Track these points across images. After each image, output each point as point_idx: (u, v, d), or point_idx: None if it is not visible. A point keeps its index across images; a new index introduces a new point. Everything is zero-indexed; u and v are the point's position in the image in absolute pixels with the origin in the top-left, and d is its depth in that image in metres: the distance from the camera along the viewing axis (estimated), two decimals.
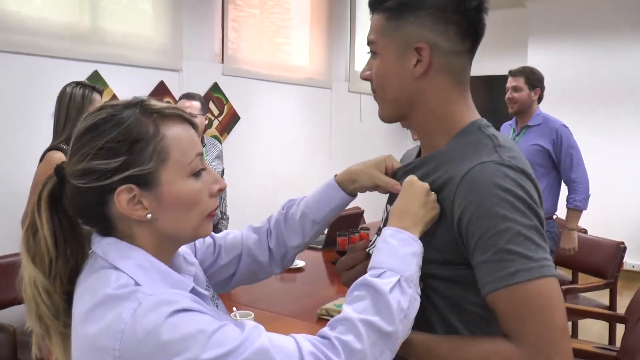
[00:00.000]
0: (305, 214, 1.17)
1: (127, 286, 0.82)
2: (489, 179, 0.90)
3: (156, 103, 0.91)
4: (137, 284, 0.83)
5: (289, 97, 5.22)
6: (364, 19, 6.16)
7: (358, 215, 3.97)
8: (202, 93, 4.31)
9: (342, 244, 3.32)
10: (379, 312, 0.86)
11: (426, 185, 0.99)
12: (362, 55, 6.20)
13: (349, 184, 1.17)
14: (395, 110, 1.07)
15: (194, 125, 0.94)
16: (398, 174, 1.13)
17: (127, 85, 3.77)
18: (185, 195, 0.89)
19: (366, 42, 1.07)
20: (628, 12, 5.75)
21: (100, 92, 2.79)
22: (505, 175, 0.90)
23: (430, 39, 0.99)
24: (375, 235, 1.16)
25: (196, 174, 0.91)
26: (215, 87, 4.43)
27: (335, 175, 1.19)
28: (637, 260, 5.78)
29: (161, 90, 3.98)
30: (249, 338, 0.80)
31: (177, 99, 3.61)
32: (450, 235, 0.95)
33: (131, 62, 3.81)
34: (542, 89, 3.45)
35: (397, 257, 0.92)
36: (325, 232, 3.77)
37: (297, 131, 5.35)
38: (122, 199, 0.85)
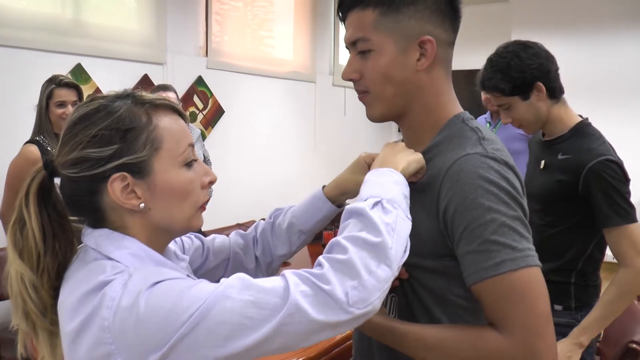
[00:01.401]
0: (293, 224, 1.17)
1: (122, 272, 0.82)
2: (473, 171, 0.91)
3: (147, 94, 0.91)
4: None
5: (274, 90, 5.22)
6: None
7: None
8: (186, 86, 4.30)
9: (327, 237, 3.35)
10: (363, 228, 0.85)
11: (398, 143, 1.00)
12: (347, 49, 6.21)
13: (339, 197, 1.17)
14: (392, 108, 1.04)
15: (183, 117, 0.95)
16: None
17: (110, 79, 3.74)
18: (178, 185, 0.89)
19: (348, 42, 1.03)
20: (611, 6, 5.82)
21: (69, 86, 2.76)
22: (490, 167, 0.91)
23: (432, 32, 0.99)
24: None
25: (188, 164, 0.92)
26: (200, 81, 4.42)
27: (324, 187, 1.19)
28: None
29: (145, 83, 3.95)
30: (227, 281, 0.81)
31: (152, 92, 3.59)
32: (435, 227, 0.96)
33: (115, 55, 3.78)
34: None
35: (375, 185, 0.92)
36: None
37: (282, 125, 5.35)
38: (116, 187, 0.85)
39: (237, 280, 0.80)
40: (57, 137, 2.80)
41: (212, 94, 4.54)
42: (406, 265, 0.98)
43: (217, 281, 1.16)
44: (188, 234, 1.15)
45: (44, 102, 2.70)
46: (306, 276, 0.80)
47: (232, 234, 1.23)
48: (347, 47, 1.06)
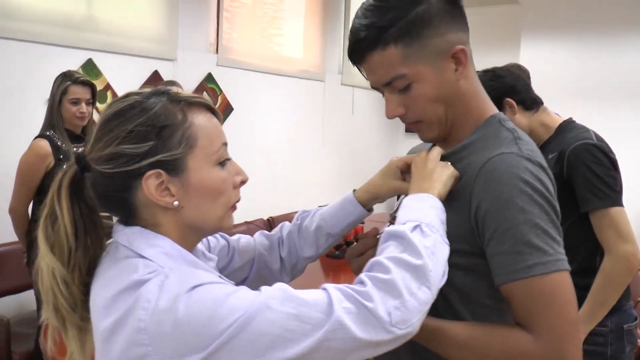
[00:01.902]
0: (321, 226, 1.17)
1: (156, 271, 0.82)
2: (508, 170, 0.91)
3: (182, 92, 0.91)
4: None
5: (283, 88, 5.21)
6: None
7: None
8: (196, 83, 4.31)
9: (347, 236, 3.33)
10: (404, 250, 0.85)
11: (430, 155, 1.01)
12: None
13: (370, 201, 1.17)
14: (447, 124, 1.05)
15: (217, 115, 0.95)
16: None
17: (121, 74, 3.75)
18: (211, 183, 0.89)
19: (381, 84, 1.02)
20: (623, 9, 5.78)
21: (85, 84, 2.77)
22: (525, 167, 0.92)
23: (456, 39, 0.99)
24: (388, 223, 1.17)
25: (221, 163, 0.92)
26: (210, 78, 4.42)
27: (354, 191, 1.19)
28: None
29: (155, 79, 3.95)
30: (267, 290, 0.80)
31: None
32: (465, 224, 0.96)
33: (126, 50, 3.78)
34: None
35: (414, 210, 0.93)
36: None
37: (290, 123, 5.35)
38: (150, 184, 0.85)
39: (279, 291, 0.79)
40: (68, 133, 2.84)
41: (221, 91, 4.55)
42: None
43: (242, 281, 1.18)
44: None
45: (57, 97, 2.71)
46: (349, 292, 0.79)
47: (257, 234, 1.23)
48: (375, 88, 1.05)
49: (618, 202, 1.75)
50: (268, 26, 5.05)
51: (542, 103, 2.00)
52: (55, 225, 0.87)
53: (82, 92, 2.75)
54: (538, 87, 3.48)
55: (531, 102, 1.98)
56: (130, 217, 0.90)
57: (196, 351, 0.74)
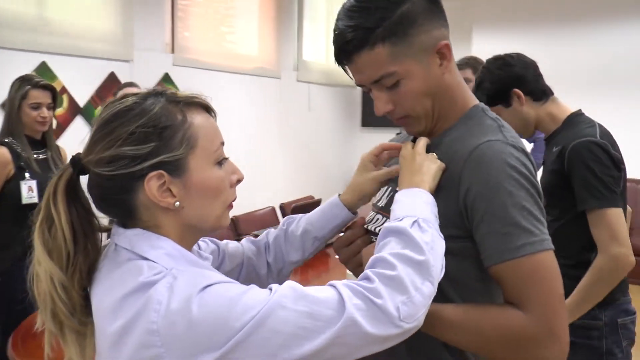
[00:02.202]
0: (308, 230, 1.18)
1: (161, 272, 0.82)
2: (497, 156, 0.96)
3: (179, 92, 0.91)
4: None
5: (239, 87, 5.19)
6: (312, 8, 6.18)
7: (315, 204, 4.00)
8: (153, 84, 4.23)
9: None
10: (406, 246, 0.87)
11: (416, 148, 1.04)
12: (311, 44, 6.23)
13: (357, 202, 1.18)
14: (433, 117, 1.08)
15: (214, 115, 0.95)
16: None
17: (76, 77, 3.66)
18: (211, 183, 0.90)
19: (369, 82, 1.04)
20: (570, 1, 5.99)
21: (45, 88, 2.68)
22: (511, 153, 0.97)
23: (439, 35, 1.03)
24: (373, 213, 1.20)
25: (220, 163, 0.93)
26: (167, 78, 4.35)
27: (339, 195, 1.20)
28: None
29: (112, 81, 3.88)
30: (278, 289, 0.81)
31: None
32: (454, 209, 1.00)
33: (80, 52, 3.69)
34: None
35: (409, 205, 0.95)
36: None
37: (248, 121, 5.33)
38: (152, 186, 0.85)
39: (290, 289, 0.81)
40: (28, 139, 2.73)
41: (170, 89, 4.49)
42: None
43: None
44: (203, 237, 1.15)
45: (17, 102, 2.61)
46: (358, 289, 0.81)
47: (244, 240, 1.24)
48: (361, 86, 1.08)
49: (615, 203, 1.73)
50: (220, 24, 5.01)
51: (552, 93, 1.96)
52: (52, 230, 0.86)
53: (42, 97, 2.66)
54: None
55: (540, 93, 1.94)
56: (129, 219, 0.90)
57: (210, 350, 0.75)
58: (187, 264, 0.87)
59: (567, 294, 1.53)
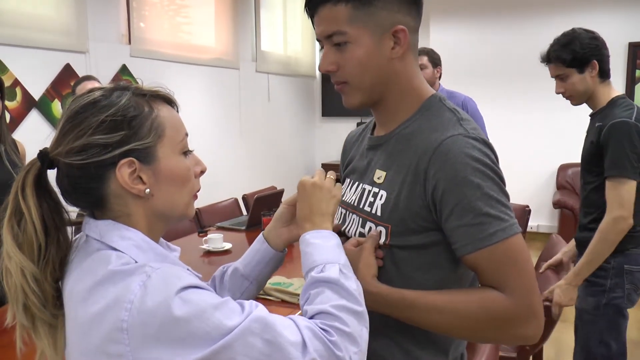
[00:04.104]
0: (236, 268, 1.17)
1: (129, 263, 0.84)
2: (461, 151, 0.99)
3: (144, 86, 0.94)
4: (136, 263, 0.85)
5: (198, 78, 5.15)
6: None
7: (278, 194, 4.04)
8: (111, 75, 4.16)
9: (266, 223, 3.37)
10: (343, 297, 0.92)
11: (315, 180, 1.05)
12: (269, 35, 6.21)
13: (275, 238, 1.16)
14: (370, 96, 1.10)
15: (176, 108, 0.98)
16: (362, 149, 1.19)
17: (30, 69, 3.57)
18: (179, 171, 0.93)
19: (323, 35, 1.07)
20: None
21: None
22: (473, 146, 1.00)
23: (403, 21, 1.05)
24: (341, 211, 1.21)
25: (185, 153, 0.96)
26: (124, 69, 4.28)
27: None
28: (534, 222, 6.37)
29: (68, 73, 3.79)
30: (250, 310, 0.84)
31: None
32: (420, 203, 1.03)
33: (33, 43, 3.59)
34: (441, 66, 3.69)
35: (327, 251, 0.99)
36: (249, 213, 3.81)
37: (207, 113, 5.29)
38: (124, 172, 0.87)
39: (259, 316, 0.83)
40: None
41: (137, 83, 4.41)
42: (395, 246, 1.05)
43: None
44: None
45: None
46: (324, 340, 0.85)
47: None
48: (318, 40, 1.11)
49: (631, 176, 2.07)
50: (176, 14, 4.94)
51: (610, 76, 2.24)
52: (21, 224, 0.87)
53: None
54: (448, 67, 3.65)
55: (606, 73, 2.22)
56: (99, 209, 0.92)
57: (177, 357, 0.78)
58: (155, 257, 0.89)
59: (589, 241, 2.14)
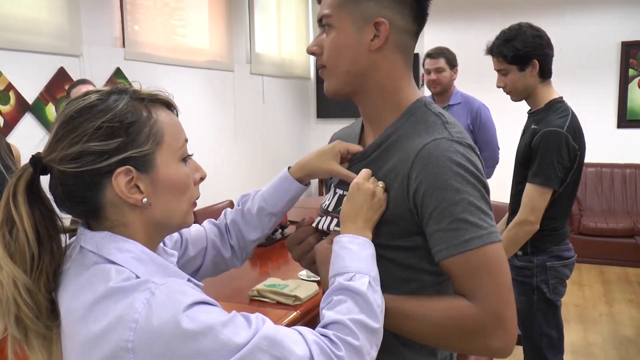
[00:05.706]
0: (263, 208, 1.19)
1: (130, 279, 0.81)
2: (443, 155, 0.98)
3: (142, 89, 0.91)
4: (137, 277, 0.82)
5: (192, 80, 5.13)
6: (263, 1, 6.16)
7: None
8: (105, 79, 4.14)
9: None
10: (363, 311, 0.90)
11: (371, 187, 1.04)
12: (263, 37, 6.20)
13: (305, 178, 1.20)
14: (345, 83, 1.09)
15: (176, 112, 0.95)
16: (354, 161, 1.17)
17: (23, 73, 3.54)
18: (178, 180, 0.90)
19: (318, 18, 1.10)
20: None
21: None
22: (457, 150, 0.99)
23: (388, 16, 1.04)
24: (319, 217, 1.20)
25: (184, 160, 0.93)
26: (118, 73, 4.26)
27: (289, 168, 1.22)
28: None
29: (62, 77, 3.78)
30: (258, 326, 0.82)
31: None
32: (404, 207, 1.02)
33: (26, 47, 3.57)
34: (457, 66, 3.63)
35: (360, 260, 0.97)
36: None
37: (202, 115, 5.28)
38: (120, 182, 0.84)
39: (267, 333, 0.82)
40: None
41: (131, 86, 4.40)
42: (381, 246, 1.04)
43: (197, 269, 1.19)
44: None
45: None
46: (331, 357, 0.84)
47: (205, 222, 1.24)
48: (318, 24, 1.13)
49: (549, 185, 2.13)
50: (170, 17, 4.92)
51: (551, 76, 2.26)
52: (13, 232, 0.83)
53: None
54: None
55: (547, 73, 2.24)
56: (95, 218, 0.88)
57: None
58: (156, 269, 0.86)
59: None
